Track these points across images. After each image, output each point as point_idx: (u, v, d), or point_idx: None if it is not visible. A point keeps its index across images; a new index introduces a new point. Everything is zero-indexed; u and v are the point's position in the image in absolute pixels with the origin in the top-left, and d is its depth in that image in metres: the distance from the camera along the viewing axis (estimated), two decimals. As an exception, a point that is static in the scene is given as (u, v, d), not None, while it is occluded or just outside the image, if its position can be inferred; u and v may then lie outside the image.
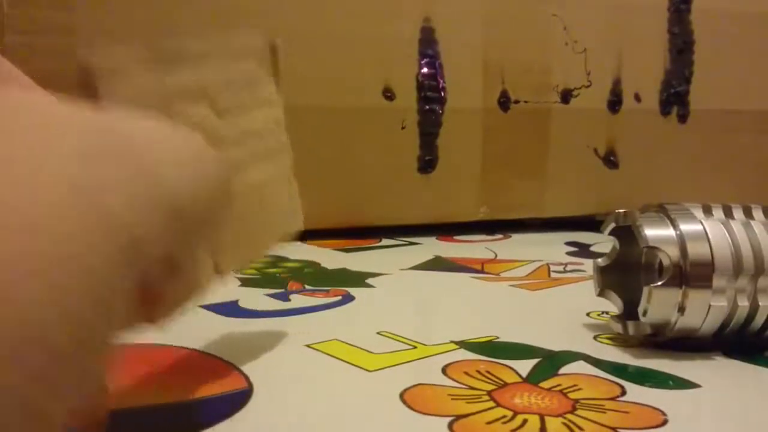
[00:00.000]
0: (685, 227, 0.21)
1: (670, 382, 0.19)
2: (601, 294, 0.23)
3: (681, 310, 0.20)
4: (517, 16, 0.43)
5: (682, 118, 0.46)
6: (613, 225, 0.23)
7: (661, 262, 0.21)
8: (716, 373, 0.20)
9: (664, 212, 0.22)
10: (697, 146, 0.47)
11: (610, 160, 0.46)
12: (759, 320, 0.21)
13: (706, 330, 0.21)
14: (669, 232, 0.21)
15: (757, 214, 0.22)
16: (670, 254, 0.20)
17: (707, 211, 0.22)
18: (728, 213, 0.22)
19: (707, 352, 0.22)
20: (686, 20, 0.46)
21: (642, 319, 0.21)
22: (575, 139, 0.45)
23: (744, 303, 0.20)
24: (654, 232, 0.21)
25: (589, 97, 0.45)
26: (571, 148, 0.45)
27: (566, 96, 0.44)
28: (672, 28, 0.45)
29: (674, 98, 0.46)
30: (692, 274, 0.20)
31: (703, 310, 0.20)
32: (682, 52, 0.46)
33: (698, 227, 0.21)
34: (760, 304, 0.21)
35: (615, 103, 0.45)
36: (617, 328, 0.22)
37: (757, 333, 0.21)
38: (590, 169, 0.45)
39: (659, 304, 0.21)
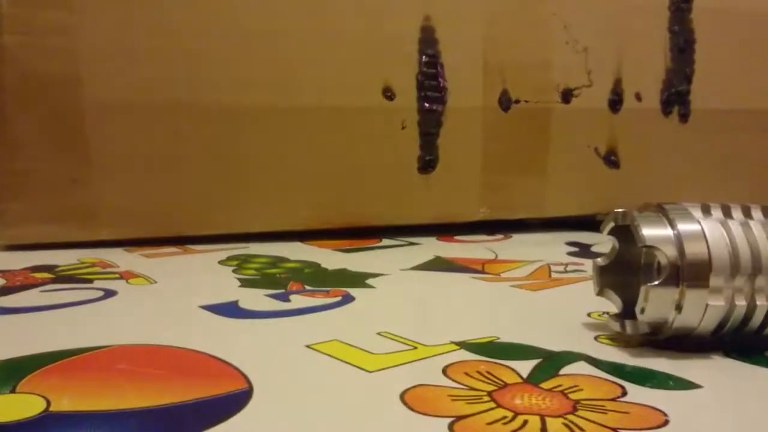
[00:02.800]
0: (683, 227, 0.21)
1: (671, 383, 0.19)
2: (600, 293, 0.23)
3: (678, 308, 0.20)
4: (517, 15, 0.43)
5: (683, 117, 0.46)
6: (612, 225, 0.23)
7: (659, 262, 0.21)
8: (717, 374, 0.20)
9: (662, 212, 0.22)
10: (698, 146, 0.47)
11: (610, 159, 0.46)
12: (756, 320, 0.21)
13: (704, 329, 0.21)
14: (667, 231, 0.21)
15: (756, 214, 0.22)
16: (667, 253, 0.20)
17: (706, 210, 0.22)
18: (727, 213, 0.22)
19: (708, 353, 0.21)
20: (687, 19, 0.46)
21: (640, 317, 0.21)
22: (576, 139, 0.45)
23: (741, 302, 0.20)
24: (652, 231, 0.21)
25: (589, 96, 0.45)
26: (572, 147, 0.45)
27: (567, 95, 0.44)
28: (673, 27, 0.45)
29: (675, 97, 0.46)
30: (689, 273, 0.20)
31: (701, 309, 0.20)
32: (683, 52, 0.46)
33: (696, 227, 0.21)
34: (757, 303, 0.21)
35: (616, 102, 0.45)
36: (615, 327, 0.22)
37: (755, 332, 0.21)
38: (591, 168, 0.45)
39: (656, 303, 0.21)
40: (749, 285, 0.21)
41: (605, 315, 0.25)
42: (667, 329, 0.21)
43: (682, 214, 0.21)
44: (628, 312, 0.22)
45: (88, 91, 0.37)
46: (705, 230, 0.21)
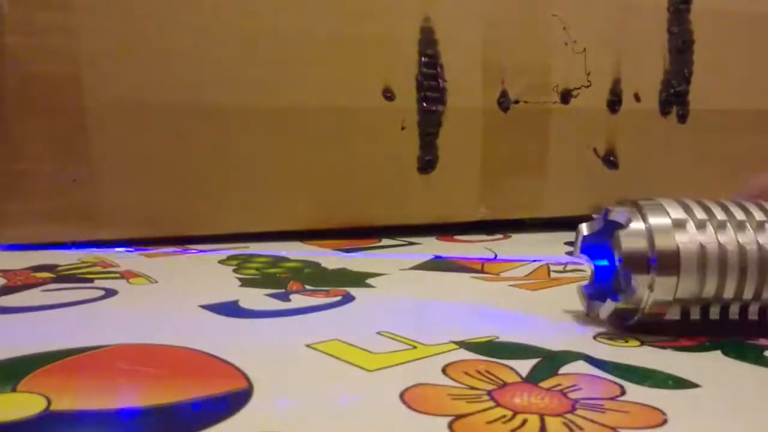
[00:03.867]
0: (654, 220, 0.22)
1: (670, 382, 0.19)
2: (589, 310, 0.24)
3: (651, 287, 0.22)
4: (517, 16, 0.43)
5: (682, 117, 0.47)
6: (583, 236, 0.24)
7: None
8: (716, 373, 0.20)
9: (636, 207, 0.23)
10: (697, 146, 0.47)
11: (609, 159, 0.46)
12: (730, 287, 0.22)
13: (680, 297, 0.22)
14: (639, 225, 0.22)
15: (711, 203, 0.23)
16: (639, 244, 0.22)
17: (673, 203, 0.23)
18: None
19: (707, 352, 0.22)
20: (686, 20, 0.46)
21: (620, 269, 0.22)
22: (575, 139, 0.45)
23: (710, 240, 0.21)
24: (625, 234, 0.22)
25: (588, 97, 0.45)
26: (571, 148, 0.45)
27: (566, 96, 0.44)
28: (671, 28, 0.46)
29: (674, 98, 0.46)
30: (660, 264, 0.22)
31: (672, 286, 0.22)
32: (681, 52, 0.46)
33: (665, 220, 0.22)
34: (727, 248, 0.21)
35: (615, 102, 0.45)
36: (606, 313, 0.23)
37: (740, 312, 0.22)
38: (590, 168, 0.45)
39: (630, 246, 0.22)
40: (717, 225, 0.22)
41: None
42: (644, 306, 0.22)
43: (654, 208, 0.22)
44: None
45: (89, 91, 0.37)
46: (673, 221, 0.22)
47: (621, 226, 0.22)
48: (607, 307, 0.23)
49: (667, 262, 0.21)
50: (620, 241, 0.22)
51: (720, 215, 0.22)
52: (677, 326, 0.23)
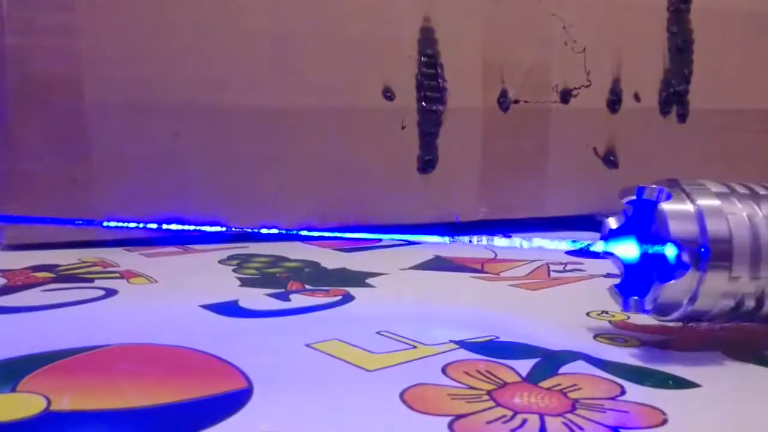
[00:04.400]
0: (703, 201, 0.20)
1: (670, 382, 0.19)
2: (628, 307, 0.21)
3: (693, 299, 0.20)
4: (517, 15, 0.43)
5: (682, 117, 0.47)
6: (610, 230, 0.22)
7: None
8: (716, 373, 0.20)
9: (674, 184, 0.21)
10: (697, 146, 0.47)
11: (609, 159, 0.46)
12: None
13: (720, 308, 0.20)
14: (686, 206, 0.20)
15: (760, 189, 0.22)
16: (688, 228, 0.20)
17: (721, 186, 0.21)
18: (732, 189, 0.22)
19: (707, 352, 0.22)
20: (686, 19, 0.46)
21: (662, 252, 0.20)
22: (575, 139, 0.45)
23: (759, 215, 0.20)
24: (669, 206, 0.20)
25: (588, 96, 0.45)
26: (571, 147, 0.45)
27: (566, 95, 0.44)
28: (671, 28, 0.45)
29: (674, 98, 0.46)
30: (712, 252, 0.20)
31: (720, 288, 0.20)
32: (681, 52, 0.46)
33: (715, 202, 0.20)
34: None
35: (614, 102, 0.45)
36: (652, 300, 0.20)
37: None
38: (590, 168, 0.45)
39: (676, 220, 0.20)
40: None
41: (605, 314, 0.25)
42: (694, 289, 0.20)
43: (700, 190, 0.21)
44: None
45: (89, 91, 0.37)
46: (723, 205, 0.20)
47: (657, 204, 0.20)
48: (652, 293, 0.20)
49: (718, 239, 0.19)
50: (665, 216, 0.20)
51: (762, 190, 0.21)
52: (725, 317, 0.21)
